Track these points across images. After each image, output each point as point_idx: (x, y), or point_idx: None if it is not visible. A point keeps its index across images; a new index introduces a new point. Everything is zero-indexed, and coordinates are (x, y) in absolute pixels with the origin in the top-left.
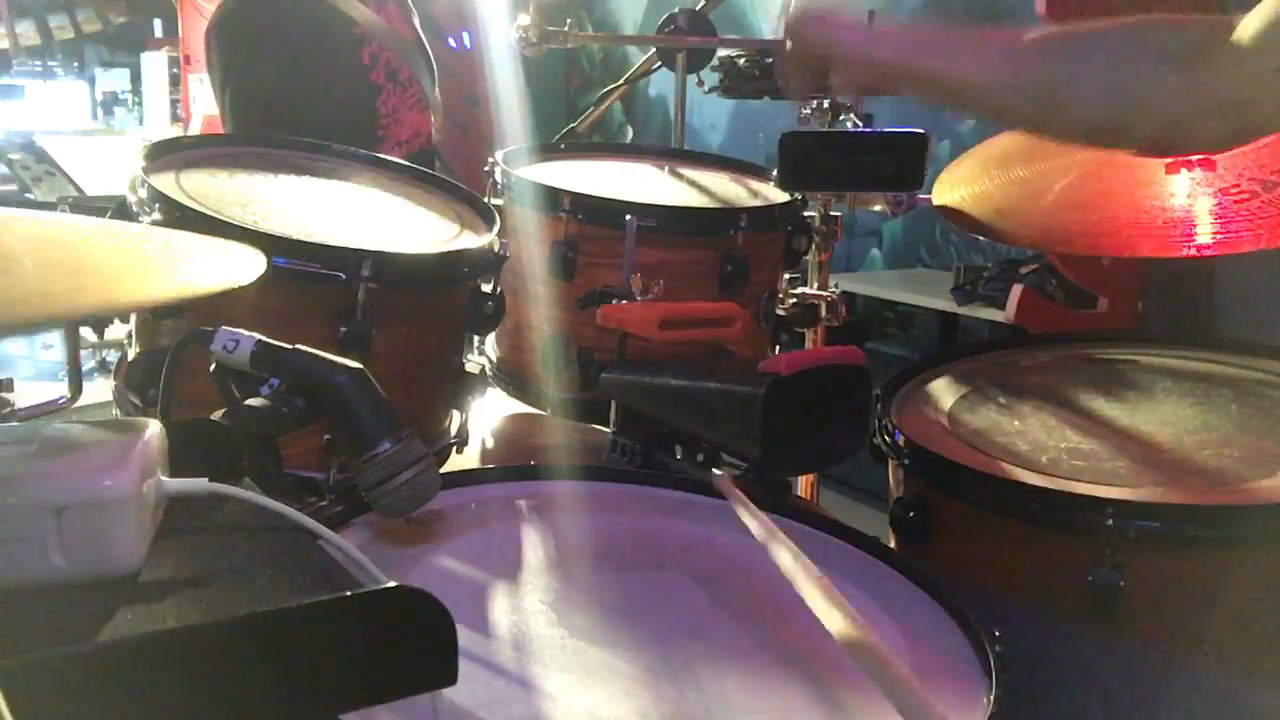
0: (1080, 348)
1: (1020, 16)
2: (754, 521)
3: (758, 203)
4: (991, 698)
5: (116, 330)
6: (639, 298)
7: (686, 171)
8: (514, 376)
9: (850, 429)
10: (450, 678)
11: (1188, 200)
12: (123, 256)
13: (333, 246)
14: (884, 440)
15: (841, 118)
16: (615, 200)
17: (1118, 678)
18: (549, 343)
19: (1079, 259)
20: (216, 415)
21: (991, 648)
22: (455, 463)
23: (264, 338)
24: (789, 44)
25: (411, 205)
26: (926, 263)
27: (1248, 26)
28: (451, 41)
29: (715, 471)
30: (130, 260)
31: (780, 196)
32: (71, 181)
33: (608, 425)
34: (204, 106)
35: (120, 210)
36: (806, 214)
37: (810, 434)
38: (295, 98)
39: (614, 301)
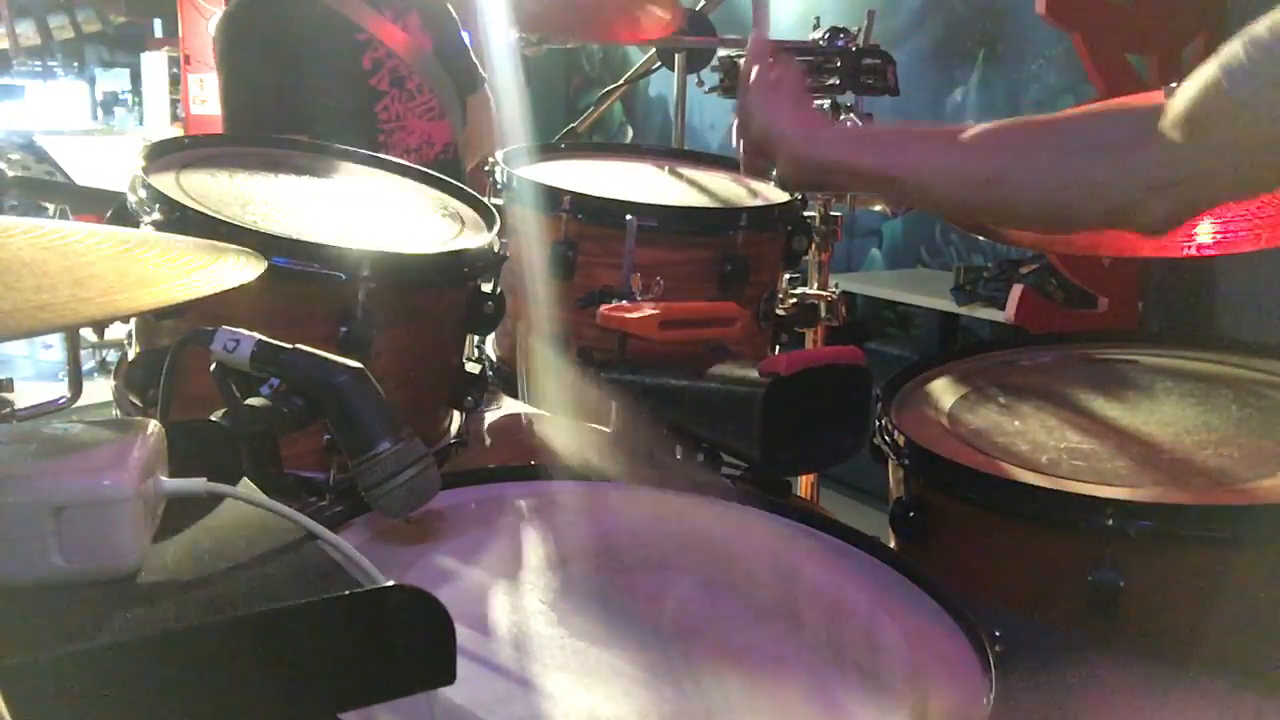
0: (1080, 348)
1: (1020, 16)
2: None
3: (758, 203)
4: (991, 697)
5: (116, 330)
6: (639, 298)
7: (686, 171)
8: (514, 376)
9: (850, 429)
10: (449, 677)
11: None
12: (124, 262)
13: (333, 246)
14: (884, 440)
15: (841, 118)
16: (615, 200)
17: (1118, 678)
18: (549, 343)
19: (1079, 259)
20: (216, 415)
21: (991, 648)
22: (455, 463)
23: (264, 338)
24: (739, 124)
25: (411, 205)
26: (926, 263)
27: (1170, 112)
28: None
29: None
30: (131, 265)
31: (780, 196)
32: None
33: (608, 425)
34: (214, 107)
35: (119, 211)
36: (806, 214)
37: (810, 434)
38: (291, 96)
39: (614, 301)
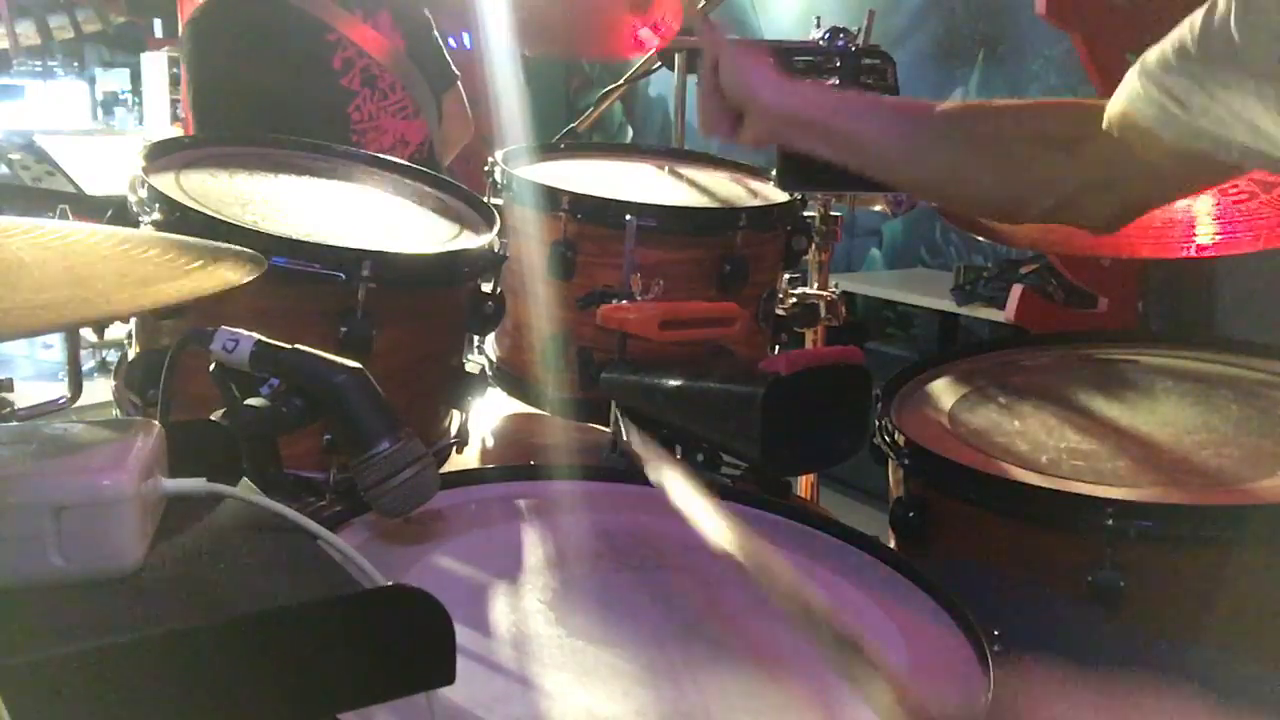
0: (1080, 348)
1: (1020, 16)
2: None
3: (757, 203)
4: (991, 698)
5: (116, 330)
6: (639, 298)
7: (686, 171)
8: (514, 376)
9: (850, 429)
10: (448, 677)
11: (1188, 201)
12: (124, 262)
13: (333, 246)
14: (884, 440)
15: None
16: (615, 200)
17: (1118, 678)
18: (549, 343)
19: (1079, 259)
20: (216, 415)
21: (991, 648)
22: (455, 463)
23: (264, 338)
24: (704, 82)
25: (411, 205)
26: (926, 263)
27: (1107, 115)
28: (451, 41)
29: None
30: (132, 265)
31: (780, 196)
32: (71, 181)
33: (608, 425)
34: None
35: (120, 211)
36: (806, 214)
37: (810, 434)
38: (261, 98)
39: (614, 301)
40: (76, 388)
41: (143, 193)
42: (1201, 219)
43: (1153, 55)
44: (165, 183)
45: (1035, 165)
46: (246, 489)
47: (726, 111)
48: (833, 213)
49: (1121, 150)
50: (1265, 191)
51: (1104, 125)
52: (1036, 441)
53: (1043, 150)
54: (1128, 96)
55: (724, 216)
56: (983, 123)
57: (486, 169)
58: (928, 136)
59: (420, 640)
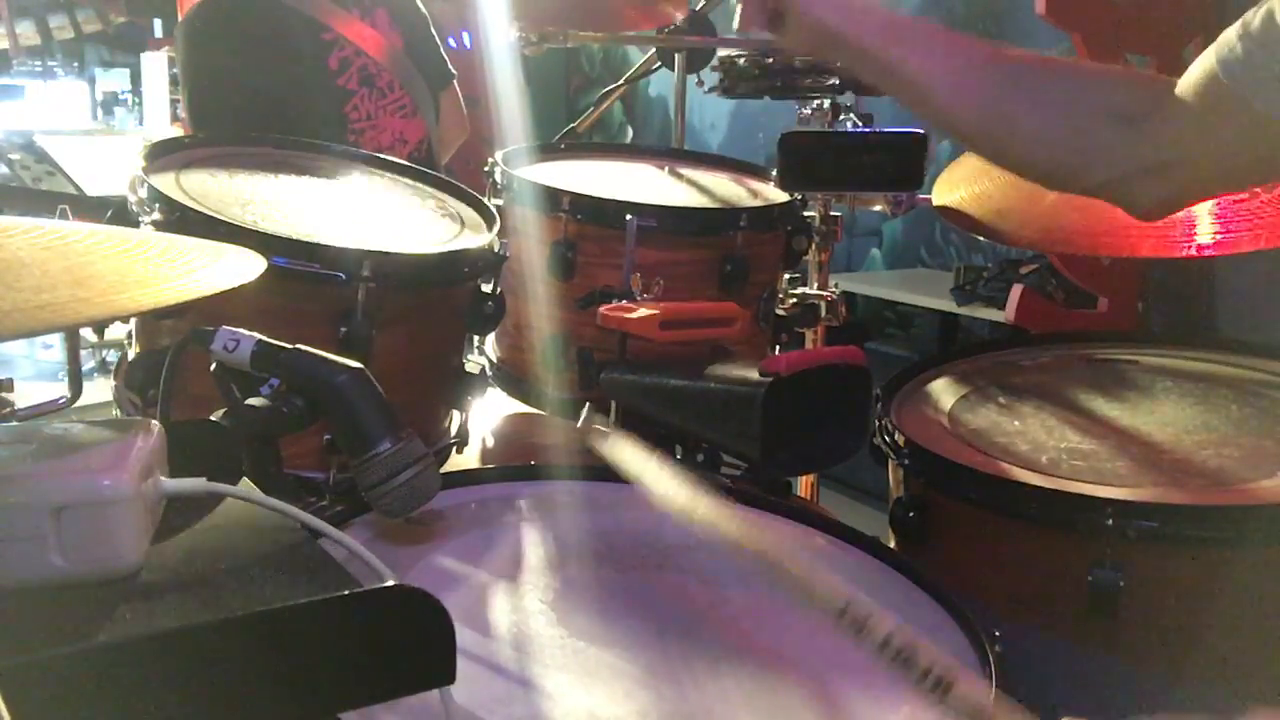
0: (1080, 348)
1: (1020, 16)
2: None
3: (758, 203)
4: (991, 698)
5: (116, 330)
6: (639, 298)
7: (686, 171)
8: (514, 376)
9: (850, 429)
10: (449, 677)
11: None
12: (124, 261)
13: (333, 246)
14: (884, 440)
15: (841, 118)
16: (615, 200)
17: (1118, 677)
18: (549, 343)
19: (1079, 259)
20: (216, 415)
21: (991, 648)
22: (455, 463)
23: (264, 338)
24: None
25: (411, 205)
26: (926, 263)
27: (1177, 93)
28: (451, 41)
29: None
30: (132, 265)
31: (780, 196)
32: (71, 181)
33: (608, 425)
34: None
35: (120, 211)
36: (806, 214)
37: (810, 434)
38: (257, 98)
39: (614, 301)
40: (76, 388)
41: (143, 193)
42: (1201, 218)
43: (1257, 16)
44: (165, 183)
45: (1098, 136)
46: (246, 489)
47: (766, 6)
48: (833, 213)
49: (1191, 129)
50: (1266, 191)
51: (1170, 105)
52: (1036, 441)
53: (1109, 122)
54: (1221, 60)
55: (724, 216)
56: (1052, 81)
57: (486, 169)
58: (989, 80)
59: (420, 640)
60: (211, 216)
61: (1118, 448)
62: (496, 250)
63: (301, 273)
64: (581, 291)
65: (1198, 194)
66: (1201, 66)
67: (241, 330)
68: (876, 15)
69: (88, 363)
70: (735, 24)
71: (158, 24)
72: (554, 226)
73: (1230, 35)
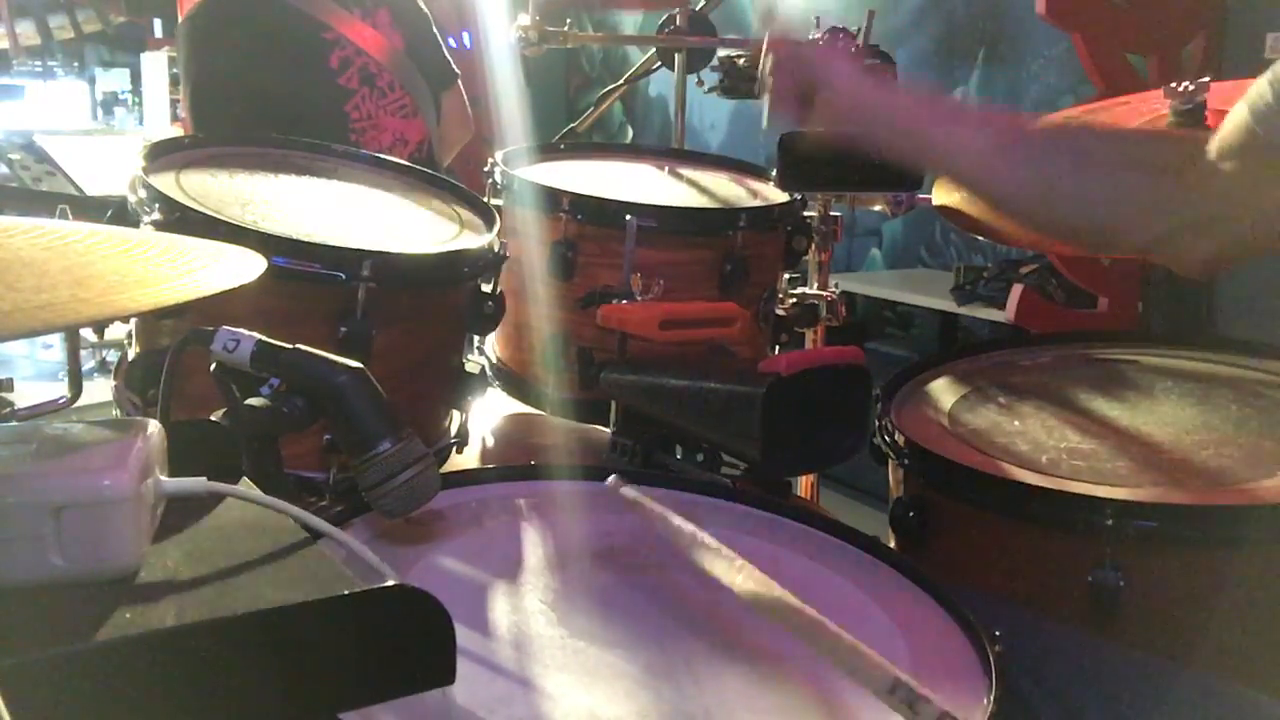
0: (1080, 348)
1: (1020, 16)
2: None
3: (758, 203)
4: (991, 698)
5: (116, 330)
6: (639, 298)
7: (686, 171)
8: (514, 376)
9: (850, 429)
10: (449, 677)
11: None
12: (124, 261)
13: (333, 246)
14: (884, 440)
15: None
16: (615, 200)
17: (1118, 678)
18: (549, 343)
19: (1079, 259)
20: (216, 415)
21: (991, 648)
22: (455, 463)
23: (264, 338)
24: (772, 61)
25: (411, 205)
26: (926, 263)
27: (1212, 146)
28: (451, 41)
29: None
30: (132, 265)
31: (780, 196)
32: (71, 181)
33: (608, 425)
34: None
35: (120, 211)
36: (806, 214)
37: (810, 434)
38: (258, 98)
39: (614, 301)
40: (76, 388)
41: (143, 193)
42: None
43: None
44: (165, 183)
45: (1138, 193)
46: (246, 489)
47: (796, 93)
48: (833, 213)
49: (1229, 181)
50: None
51: (1213, 144)
52: (1036, 441)
53: (1148, 179)
54: (1253, 109)
55: (724, 216)
56: (1089, 142)
57: (486, 169)
58: (1026, 146)
59: (420, 640)
60: (211, 216)
61: (1118, 448)
62: (496, 250)
63: (301, 273)
64: (581, 291)
65: (1243, 249)
66: (1234, 118)
67: (241, 330)
68: (907, 94)
69: (88, 363)
70: (764, 122)
71: (158, 24)
72: (554, 226)
73: (1261, 84)
